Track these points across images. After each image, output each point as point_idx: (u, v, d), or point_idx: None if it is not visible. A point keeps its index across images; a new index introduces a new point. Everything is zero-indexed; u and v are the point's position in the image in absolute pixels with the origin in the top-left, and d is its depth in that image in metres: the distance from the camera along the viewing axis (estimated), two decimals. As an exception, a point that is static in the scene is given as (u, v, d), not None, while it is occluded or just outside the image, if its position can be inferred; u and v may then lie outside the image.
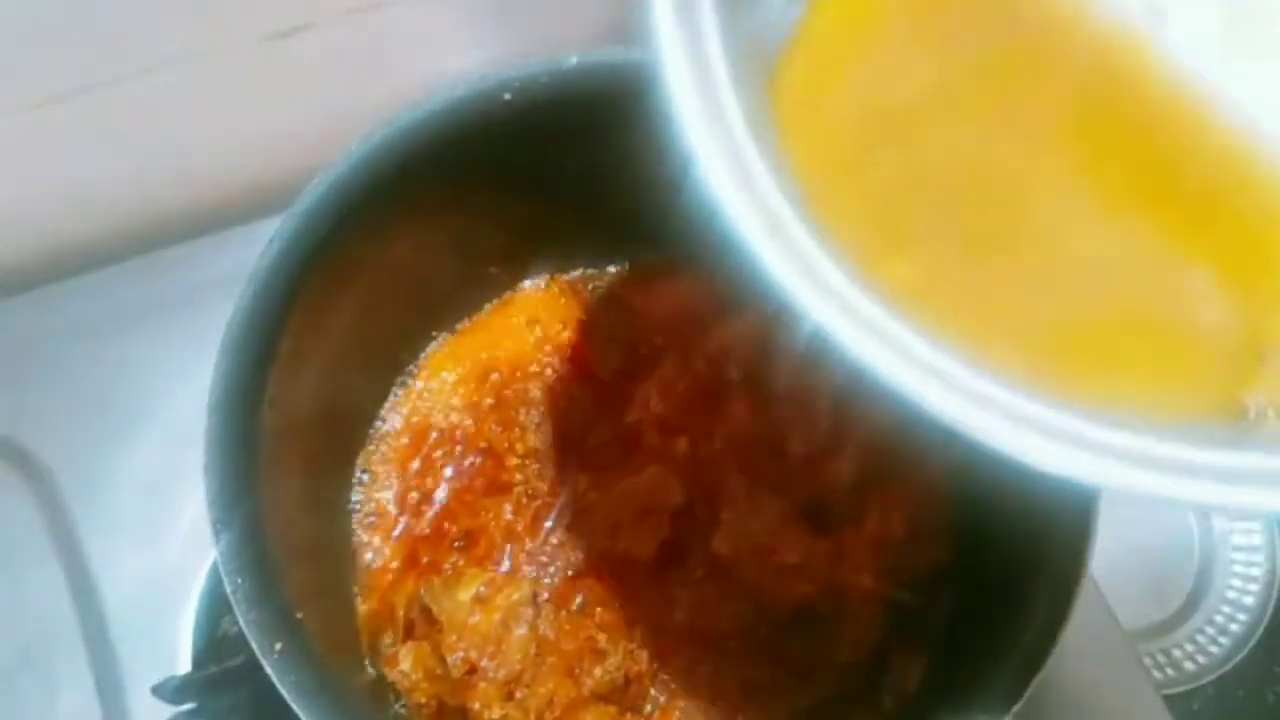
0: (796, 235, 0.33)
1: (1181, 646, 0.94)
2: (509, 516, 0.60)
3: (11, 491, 0.72)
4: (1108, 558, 0.93)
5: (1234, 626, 0.95)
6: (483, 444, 0.62)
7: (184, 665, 0.66)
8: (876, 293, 0.32)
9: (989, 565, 0.55)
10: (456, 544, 0.59)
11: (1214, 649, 0.94)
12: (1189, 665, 0.94)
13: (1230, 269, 0.33)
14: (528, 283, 0.67)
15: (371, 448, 0.62)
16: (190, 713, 0.65)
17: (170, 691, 0.62)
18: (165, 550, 0.70)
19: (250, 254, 0.50)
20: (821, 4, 0.38)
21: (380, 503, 0.60)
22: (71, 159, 0.75)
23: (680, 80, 0.33)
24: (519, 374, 0.64)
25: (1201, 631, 0.96)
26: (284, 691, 0.41)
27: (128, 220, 0.80)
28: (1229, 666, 0.93)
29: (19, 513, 0.71)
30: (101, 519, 0.71)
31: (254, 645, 0.42)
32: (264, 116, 0.75)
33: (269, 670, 0.42)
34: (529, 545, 0.59)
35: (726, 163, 0.33)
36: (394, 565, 0.59)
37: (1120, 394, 0.32)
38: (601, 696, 0.54)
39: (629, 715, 0.54)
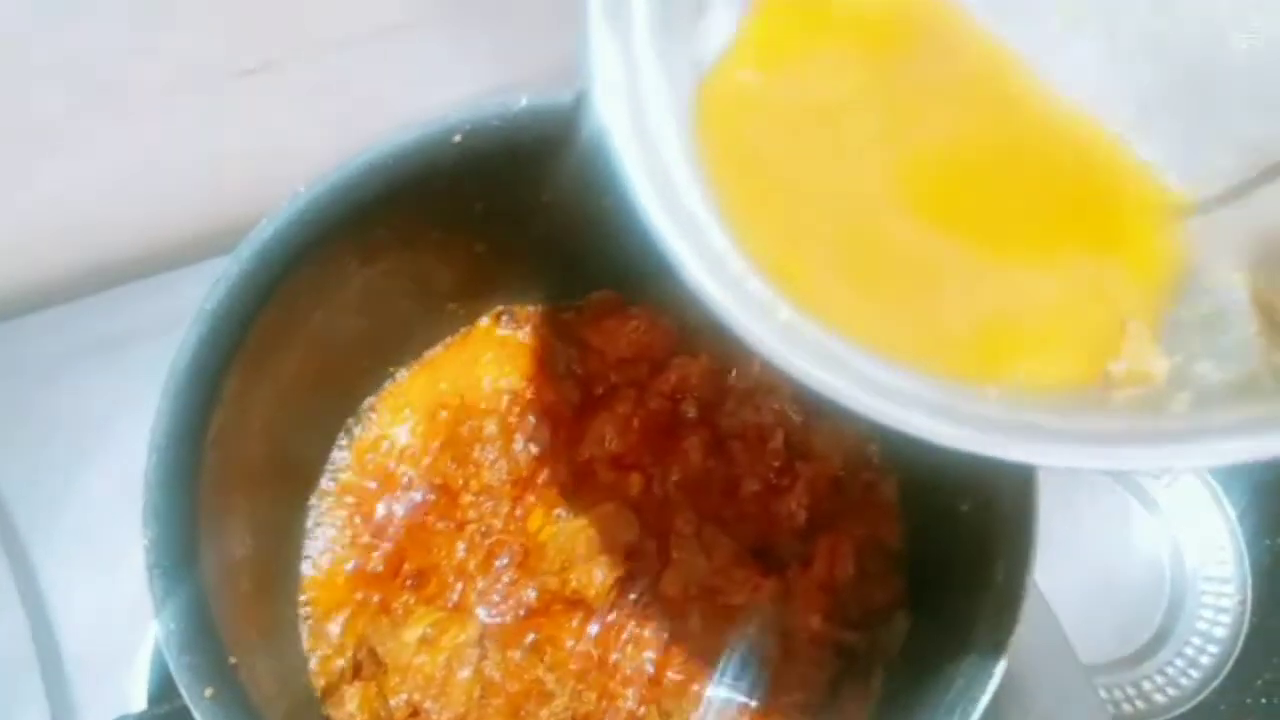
0: (716, 244, 0.35)
1: (1152, 679, 0.94)
2: (461, 554, 0.60)
3: (-33, 524, 0.72)
4: (1078, 588, 0.94)
5: (1204, 659, 0.95)
6: (436, 480, 0.62)
7: (140, 701, 0.66)
8: (785, 297, 0.34)
9: (936, 598, 0.55)
10: (408, 582, 0.59)
11: (1185, 681, 0.94)
12: (1159, 698, 0.93)
13: (1093, 251, 0.38)
14: (483, 320, 0.67)
15: (324, 485, 0.62)
16: (145, 750, 0.65)
17: (125, 729, 0.62)
18: (122, 585, 0.68)
19: (206, 292, 0.50)
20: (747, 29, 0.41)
21: (331, 541, 0.60)
22: (26, 198, 0.75)
23: (612, 103, 0.37)
24: (474, 410, 0.64)
25: (1172, 664, 0.95)
26: (213, 740, 0.41)
27: (83, 257, 0.80)
28: (1200, 698, 0.93)
29: (-25, 545, 0.71)
30: (58, 552, 0.71)
31: (183, 691, 0.42)
32: (223, 155, 0.75)
33: (197, 716, 0.42)
34: (481, 584, 0.59)
35: (649, 172, 0.36)
36: (344, 604, 0.59)
37: (1006, 374, 0.37)
38: (547, 739, 0.54)
39: (574, 758, 0.54)
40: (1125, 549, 1.00)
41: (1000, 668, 0.45)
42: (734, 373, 0.63)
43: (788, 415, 0.63)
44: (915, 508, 0.59)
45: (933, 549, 0.57)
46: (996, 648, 0.45)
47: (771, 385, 0.63)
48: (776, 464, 0.62)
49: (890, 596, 0.58)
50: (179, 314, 0.50)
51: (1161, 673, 0.95)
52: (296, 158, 0.58)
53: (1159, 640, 0.97)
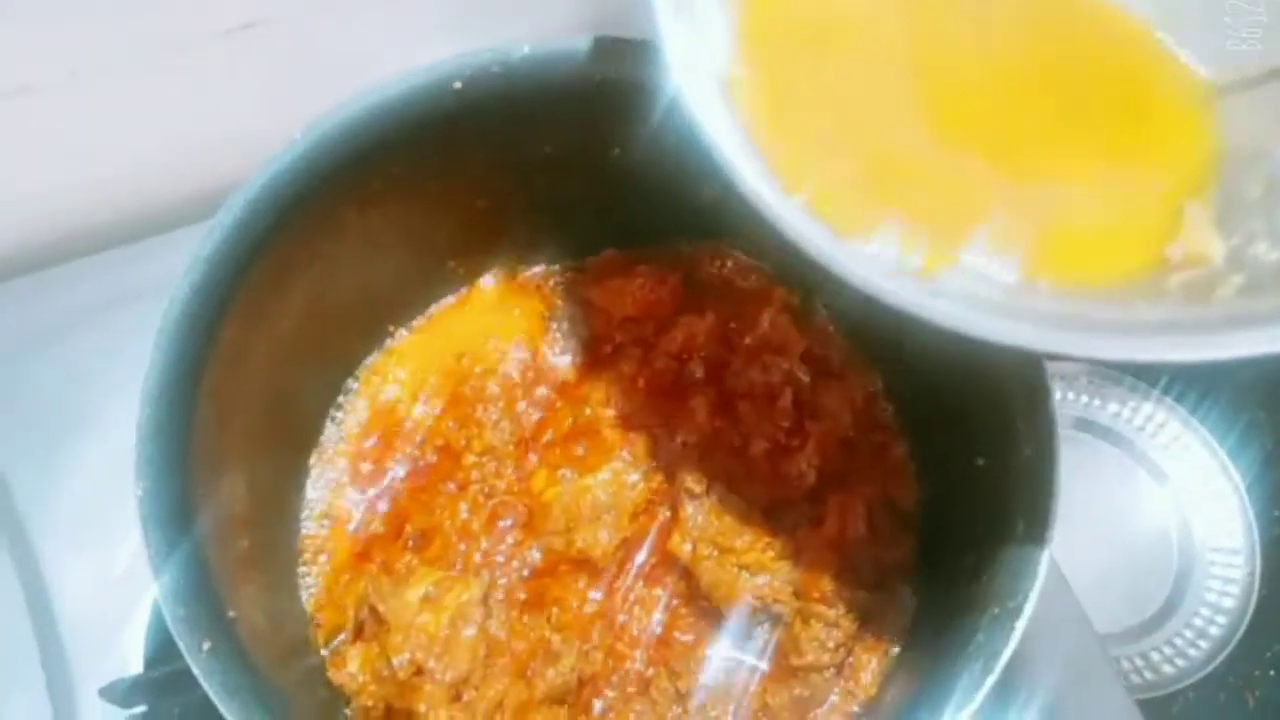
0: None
1: (1160, 650, 0.93)
2: (465, 515, 0.59)
3: (-39, 491, 0.70)
4: (1087, 561, 0.93)
5: (1213, 629, 0.94)
6: (439, 441, 0.61)
7: (137, 666, 0.65)
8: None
9: (951, 557, 0.54)
10: (410, 543, 0.58)
11: (1193, 652, 0.93)
12: (1168, 669, 0.93)
13: (1135, 143, 0.39)
14: (487, 279, 0.66)
15: (323, 445, 0.60)
16: (141, 716, 0.64)
17: (120, 693, 0.60)
18: (118, 552, 0.68)
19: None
20: None
21: (331, 501, 0.59)
22: (15, 161, 0.73)
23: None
24: (476, 371, 0.63)
25: (1180, 635, 0.94)
26: (210, 692, 0.40)
27: (76, 220, 0.78)
28: (1209, 670, 0.92)
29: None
30: (53, 521, 0.69)
31: (181, 644, 0.41)
32: (215, 116, 0.74)
33: (196, 671, 0.40)
34: (484, 544, 0.58)
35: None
36: (346, 565, 0.57)
37: (1065, 270, 0.37)
38: (554, 699, 0.53)
39: (582, 717, 0.53)
40: (1133, 520, 0.99)
41: (1023, 621, 0.44)
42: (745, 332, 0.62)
43: (796, 375, 0.62)
44: (928, 467, 0.58)
45: (947, 508, 0.56)
46: (1019, 601, 0.44)
47: (780, 344, 0.62)
48: (786, 424, 0.60)
49: (902, 556, 0.57)
50: (174, 278, 0.48)
51: (1170, 644, 0.94)
52: (286, 119, 0.57)
53: (1167, 611, 0.96)
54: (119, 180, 0.77)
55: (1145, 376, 1.00)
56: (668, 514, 0.59)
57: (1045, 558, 0.46)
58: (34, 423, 0.72)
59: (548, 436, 0.61)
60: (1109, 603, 0.94)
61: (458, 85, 0.54)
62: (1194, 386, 1.00)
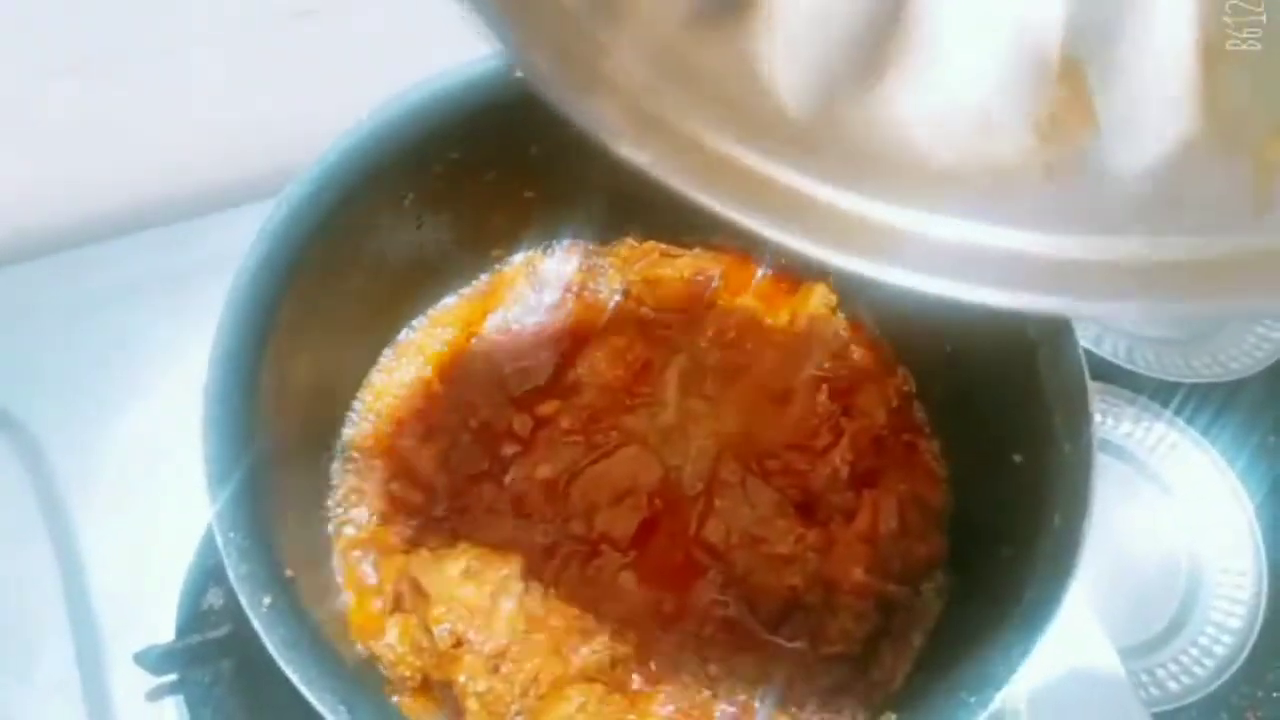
0: None
1: (1166, 667, 0.94)
2: (493, 494, 0.60)
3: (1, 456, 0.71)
4: (1095, 577, 0.94)
5: (1218, 649, 0.95)
6: (473, 422, 0.62)
7: (168, 635, 0.65)
8: None
9: (982, 553, 0.55)
10: (442, 520, 0.59)
11: (1198, 670, 0.94)
12: (1173, 685, 0.93)
13: None
14: (517, 258, 0.67)
15: (360, 419, 0.61)
16: (172, 685, 0.64)
17: (153, 660, 0.61)
18: (152, 524, 0.69)
19: (252, 235, 0.50)
20: None
21: (365, 477, 0.60)
22: (78, 135, 0.75)
23: None
24: (508, 351, 0.64)
25: (1186, 653, 0.95)
26: (270, 646, 0.41)
27: (130, 196, 0.80)
28: (1212, 688, 0.93)
29: (5, 480, 0.71)
30: (89, 490, 0.70)
31: (243, 600, 0.42)
32: (276, 97, 0.75)
33: (256, 624, 0.41)
34: (514, 523, 0.59)
35: None
36: (380, 539, 0.58)
37: None
38: (587, 676, 0.54)
39: (615, 695, 0.54)
40: (1143, 538, 1.00)
41: (1059, 610, 0.45)
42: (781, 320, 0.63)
43: (833, 372, 0.63)
44: (960, 464, 0.60)
45: (979, 503, 0.57)
46: (1055, 590, 0.45)
47: (817, 341, 0.63)
48: (821, 420, 0.62)
49: (932, 551, 0.58)
50: (224, 255, 0.49)
51: (1176, 661, 0.95)
52: (347, 102, 0.58)
53: (1174, 629, 0.97)
54: (168, 161, 0.79)
55: (1158, 397, 1.02)
56: (692, 499, 0.60)
57: (1081, 551, 0.47)
58: (75, 393, 0.73)
59: (568, 421, 0.62)
60: (1115, 618, 0.95)
61: (520, 73, 0.55)
62: (1206, 408, 1.01)
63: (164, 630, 0.66)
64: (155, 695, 0.64)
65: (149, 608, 0.66)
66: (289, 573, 0.45)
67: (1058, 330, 0.51)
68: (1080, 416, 0.49)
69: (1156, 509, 1.01)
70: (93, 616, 0.67)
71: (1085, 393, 0.50)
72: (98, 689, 0.65)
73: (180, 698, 0.64)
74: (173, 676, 0.64)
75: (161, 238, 0.79)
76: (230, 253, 0.50)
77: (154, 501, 0.70)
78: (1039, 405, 0.51)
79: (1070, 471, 0.48)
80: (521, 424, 0.62)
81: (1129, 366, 0.97)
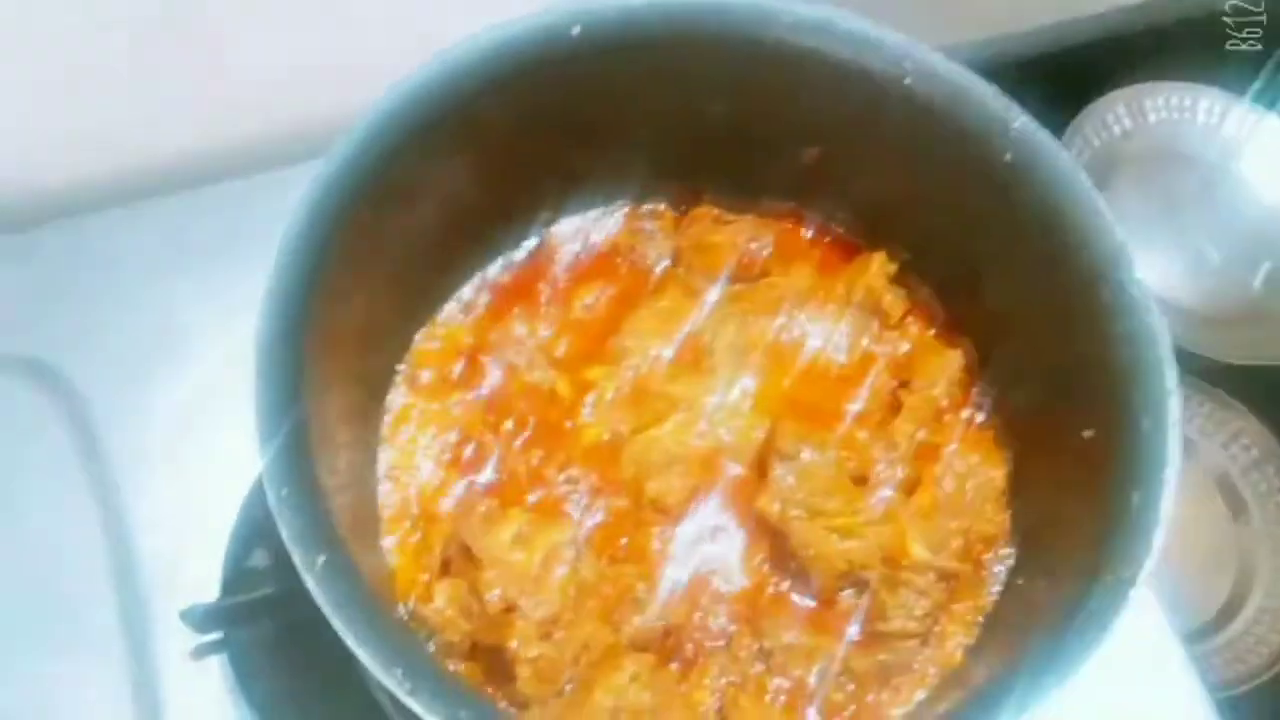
0: None
1: (1221, 654, 0.92)
2: (541, 460, 0.58)
3: (44, 413, 0.71)
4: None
5: (1275, 637, 0.93)
6: (517, 387, 0.61)
7: (213, 594, 0.65)
8: None
9: (1049, 536, 0.53)
10: (492, 485, 0.58)
11: (1253, 658, 0.92)
12: (1227, 673, 0.92)
13: None
14: (567, 220, 0.65)
15: (407, 379, 0.60)
16: (215, 644, 0.64)
17: (197, 618, 0.61)
18: (197, 482, 0.69)
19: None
20: None
21: (415, 438, 0.59)
22: (130, 88, 0.74)
23: None
24: (555, 315, 0.62)
25: (1241, 640, 0.93)
26: (324, 605, 0.40)
27: (181, 152, 0.79)
28: (1268, 676, 0.91)
29: (51, 434, 0.71)
30: (134, 446, 0.70)
31: (296, 558, 0.41)
32: (324, 52, 0.74)
33: (310, 583, 0.40)
34: (564, 490, 0.58)
35: None
36: (429, 502, 0.57)
37: None
38: (638, 646, 0.53)
39: (668, 666, 0.52)
40: (1199, 523, 0.98)
41: (1137, 590, 0.43)
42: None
43: (892, 342, 0.61)
44: (1026, 440, 0.58)
45: (1045, 480, 0.55)
46: (1134, 570, 0.43)
47: (876, 309, 0.61)
48: (880, 391, 0.60)
49: (994, 529, 0.56)
50: (278, 215, 0.48)
51: (1231, 648, 0.93)
52: (404, 55, 0.57)
53: (1228, 615, 0.95)
54: (221, 118, 0.78)
55: (1208, 376, 0.99)
56: (739, 470, 0.58)
57: (1161, 530, 0.45)
58: (125, 350, 0.72)
59: (614, 387, 0.60)
60: (1170, 606, 0.93)
61: (575, 30, 0.54)
62: (1258, 385, 0.99)
63: (208, 591, 0.66)
64: (199, 654, 0.64)
65: (193, 568, 0.66)
66: (341, 532, 0.44)
67: (1136, 302, 0.49)
68: (1161, 390, 0.47)
69: (1213, 494, 0.99)
70: (136, 576, 0.67)
71: (1167, 364, 0.48)
72: (141, 648, 0.65)
73: (224, 657, 0.64)
74: (217, 635, 0.63)
75: (213, 196, 0.78)
76: (282, 214, 0.49)
77: (200, 461, 0.70)
78: (1114, 380, 0.49)
79: (1150, 448, 0.46)
80: (566, 388, 0.61)
81: (1187, 347, 0.95)
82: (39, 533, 0.68)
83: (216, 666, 0.64)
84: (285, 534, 0.41)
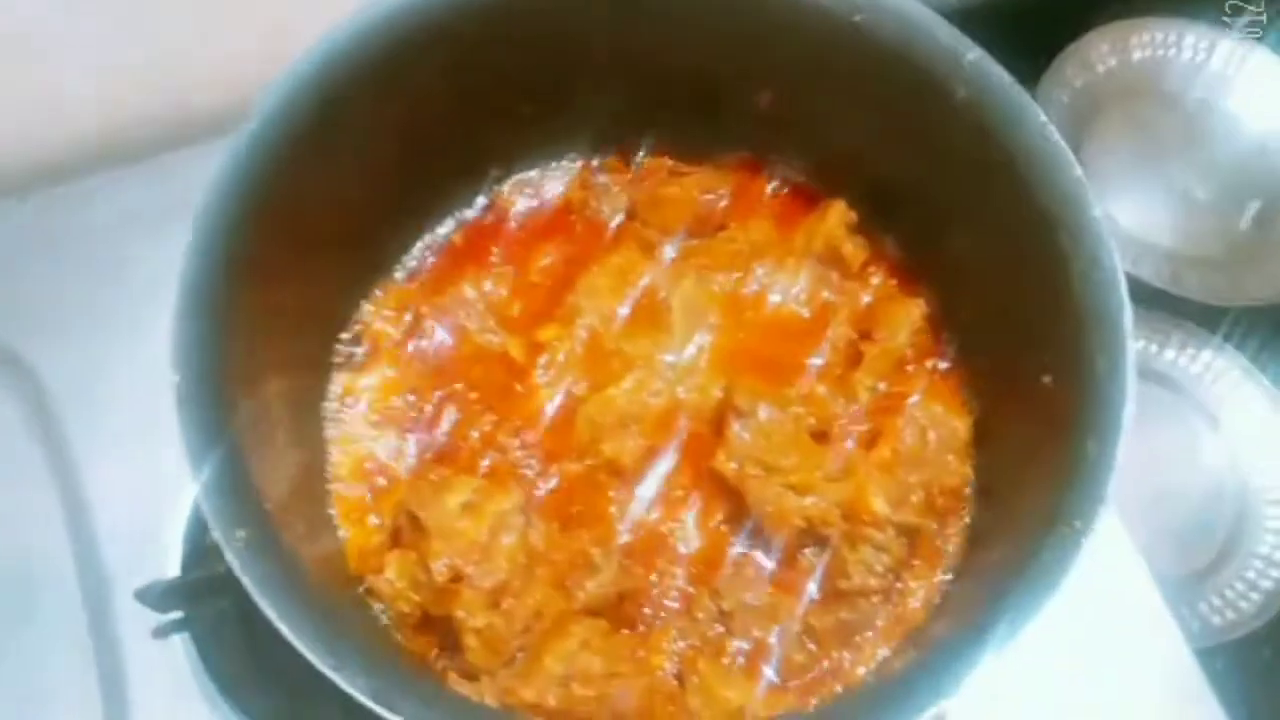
0: None
1: (1209, 601, 0.91)
2: (492, 424, 0.57)
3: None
4: (1138, 509, 0.91)
5: (1265, 583, 0.91)
6: (468, 350, 0.59)
7: (174, 571, 0.64)
8: None
9: (1009, 482, 0.52)
10: (440, 452, 0.57)
11: (1244, 605, 0.91)
12: (1216, 620, 0.90)
13: None
14: (517, 176, 0.63)
15: (352, 347, 0.59)
16: (177, 622, 0.63)
17: (155, 597, 0.60)
18: (156, 457, 0.67)
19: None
20: None
21: (358, 407, 0.58)
22: (68, 60, 0.72)
23: None
24: (506, 274, 0.61)
25: (1231, 587, 0.92)
26: (245, 582, 0.39)
27: (132, 125, 0.77)
28: (1258, 624, 0.89)
29: (6, 412, 0.69)
30: (91, 422, 0.69)
31: (216, 534, 0.40)
32: (271, 16, 0.71)
33: (230, 559, 0.39)
34: (515, 454, 0.56)
35: None
36: (376, 471, 0.56)
37: None
38: (592, 611, 0.51)
39: (622, 631, 0.51)
40: (1188, 469, 0.96)
41: (1090, 540, 0.42)
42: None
43: (851, 292, 0.60)
44: (988, 390, 0.56)
45: (1005, 429, 0.54)
46: (1087, 520, 0.42)
47: (835, 259, 0.60)
48: (839, 342, 0.58)
49: (956, 482, 0.55)
50: None
51: (1220, 595, 0.91)
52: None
53: (1219, 563, 0.93)
54: (173, 85, 0.76)
55: (1205, 322, 0.97)
56: (702, 427, 0.57)
57: (1113, 478, 0.44)
58: (74, 324, 0.71)
59: (567, 347, 0.59)
60: (1159, 552, 0.91)
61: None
62: (1255, 333, 0.96)
63: (170, 568, 0.65)
64: (161, 633, 0.63)
65: (154, 546, 0.66)
66: (267, 505, 0.43)
67: (1093, 241, 0.47)
68: (1115, 333, 0.45)
69: (1202, 438, 0.97)
70: (97, 554, 0.66)
71: (1122, 308, 0.46)
72: (103, 627, 0.64)
73: (187, 635, 0.63)
74: (178, 614, 0.63)
75: (167, 165, 0.76)
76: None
77: (158, 436, 0.68)
78: (1071, 322, 0.47)
79: (1104, 392, 0.44)
80: (519, 350, 0.59)
81: (1173, 290, 0.92)
82: (-3, 507, 0.67)
83: (180, 645, 0.63)
84: (205, 509, 0.40)
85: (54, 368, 0.71)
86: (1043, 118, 0.49)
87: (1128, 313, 0.46)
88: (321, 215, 0.53)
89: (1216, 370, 0.97)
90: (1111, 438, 0.43)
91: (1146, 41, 1.00)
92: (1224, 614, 0.90)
